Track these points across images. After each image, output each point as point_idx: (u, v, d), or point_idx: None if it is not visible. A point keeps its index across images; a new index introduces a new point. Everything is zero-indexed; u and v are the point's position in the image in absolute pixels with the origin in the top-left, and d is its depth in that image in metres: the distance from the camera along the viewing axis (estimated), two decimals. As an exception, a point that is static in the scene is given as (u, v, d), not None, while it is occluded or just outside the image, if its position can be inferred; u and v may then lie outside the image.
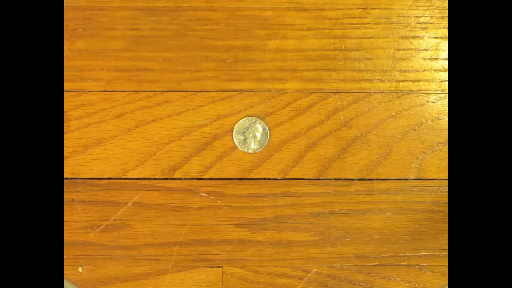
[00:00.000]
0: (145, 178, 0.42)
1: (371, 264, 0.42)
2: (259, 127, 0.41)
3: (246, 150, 0.41)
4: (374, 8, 0.42)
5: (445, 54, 0.42)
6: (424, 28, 0.42)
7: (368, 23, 0.42)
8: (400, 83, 0.42)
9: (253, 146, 0.41)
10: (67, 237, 0.41)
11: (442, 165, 0.42)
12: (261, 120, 0.41)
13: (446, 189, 0.42)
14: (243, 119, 0.41)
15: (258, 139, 0.41)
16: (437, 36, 0.42)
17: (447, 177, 0.42)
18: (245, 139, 0.41)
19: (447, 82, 0.42)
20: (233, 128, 0.41)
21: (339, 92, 0.42)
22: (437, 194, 0.42)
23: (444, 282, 0.42)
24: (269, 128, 0.41)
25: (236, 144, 0.41)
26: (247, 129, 0.41)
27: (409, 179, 0.42)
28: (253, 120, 0.41)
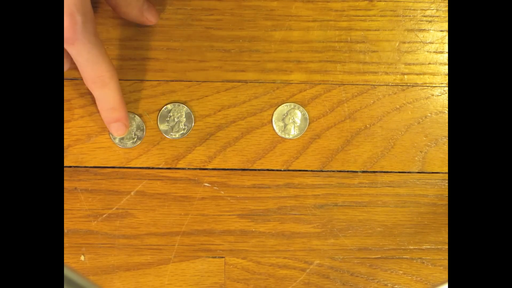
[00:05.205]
0: (149, 168, 0.41)
1: (373, 256, 0.42)
2: (298, 113, 0.41)
3: (286, 136, 0.41)
4: (380, 1, 0.42)
5: (450, 47, 0.42)
6: (430, 21, 0.42)
7: (374, 16, 0.42)
8: (405, 76, 0.42)
9: (293, 132, 0.41)
10: (69, 225, 0.41)
11: (445, 158, 0.42)
12: (300, 105, 0.41)
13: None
14: (282, 105, 0.41)
15: (298, 124, 0.41)
16: (443, 30, 0.42)
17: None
18: (285, 125, 0.41)
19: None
20: (272, 114, 0.41)
21: (343, 84, 0.42)
22: (440, 187, 0.42)
23: (446, 275, 0.42)
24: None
25: (276, 130, 0.41)
26: (287, 115, 0.41)
27: (413, 172, 0.42)
28: (292, 106, 0.41)
